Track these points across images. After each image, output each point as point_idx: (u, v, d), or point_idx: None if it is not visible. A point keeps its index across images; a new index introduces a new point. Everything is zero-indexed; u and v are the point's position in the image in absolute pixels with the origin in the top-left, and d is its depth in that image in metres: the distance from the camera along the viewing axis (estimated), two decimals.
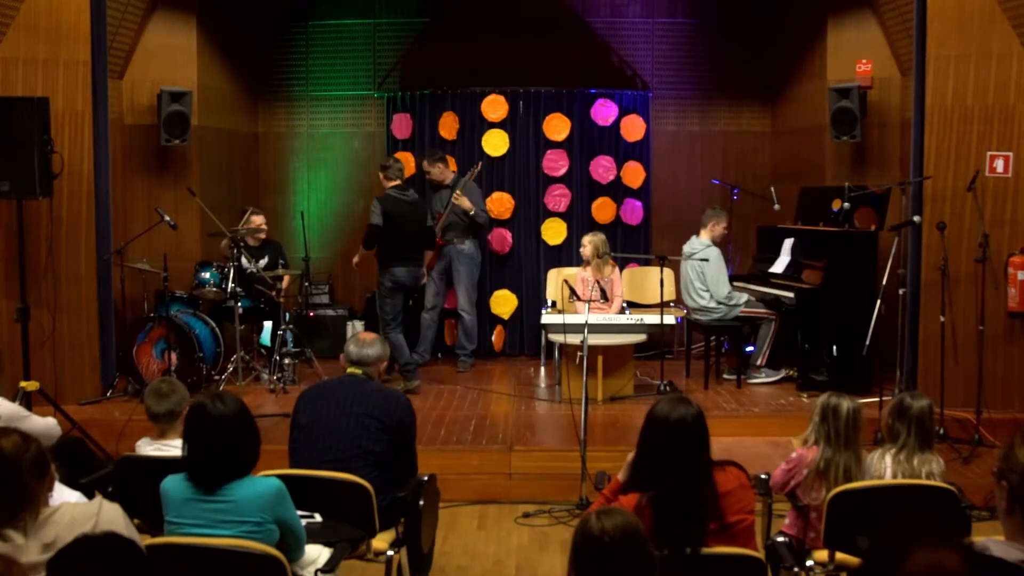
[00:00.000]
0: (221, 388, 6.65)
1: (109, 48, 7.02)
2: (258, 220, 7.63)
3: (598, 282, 7.10)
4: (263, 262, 7.52)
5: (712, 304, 7.22)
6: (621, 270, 8.29)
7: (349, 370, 4.14)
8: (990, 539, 2.37)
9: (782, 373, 7.37)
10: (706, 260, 7.20)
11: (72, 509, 2.65)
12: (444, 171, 7.96)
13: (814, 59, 8.29)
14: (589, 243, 7.34)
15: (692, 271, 7.30)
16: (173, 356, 6.80)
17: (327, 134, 9.30)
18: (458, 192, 7.73)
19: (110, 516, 2.66)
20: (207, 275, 7.24)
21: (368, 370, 4.13)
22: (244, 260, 7.17)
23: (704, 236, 7.37)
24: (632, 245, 8.61)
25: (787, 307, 7.24)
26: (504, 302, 8.60)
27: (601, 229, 8.06)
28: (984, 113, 6.37)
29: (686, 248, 7.40)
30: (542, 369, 8.17)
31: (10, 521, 2.52)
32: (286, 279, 7.68)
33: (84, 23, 6.59)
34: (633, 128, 8.55)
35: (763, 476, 4.02)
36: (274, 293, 7.39)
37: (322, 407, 3.96)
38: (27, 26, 6.51)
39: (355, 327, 8.46)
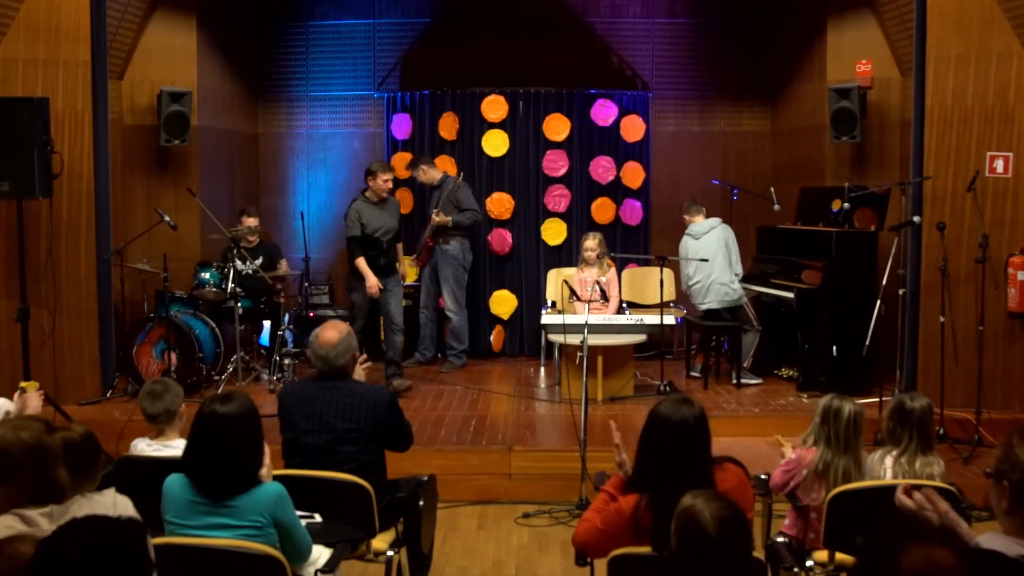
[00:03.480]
0: (227, 388, 6.67)
1: (109, 48, 7.02)
2: (252, 222, 7.64)
3: (598, 282, 7.11)
4: (258, 262, 7.52)
5: (736, 279, 7.35)
6: (620, 270, 8.30)
7: None
8: (986, 534, 2.37)
9: (760, 380, 7.40)
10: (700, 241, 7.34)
11: (89, 501, 2.72)
12: (428, 172, 8.00)
13: (814, 59, 8.29)
14: (597, 244, 7.39)
15: (722, 246, 7.36)
16: (173, 356, 6.80)
17: (327, 134, 9.30)
18: (436, 212, 7.82)
19: (123, 506, 2.76)
20: (207, 275, 7.24)
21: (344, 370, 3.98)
22: (239, 263, 7.16)
23: (703, 219, 7.49)
24: (632, 245, 8.61)
25: (785, 308, 7.25)
26: (504, 302, 8.61)
27: (601, 229, 8.07)
28: (984, 113, 6.37)
29: (704, 226, 7.44)
30: (542, 369, 8.17)
31: (38, 506, 2.61)
32: (284, 266, 7.71)
33: (84, 23, 6.59)
34: (633, 128, 8.56)
35: (763, 476, 4.02)
36: (271, 282, 7.39)
37: (306, 421, 3.83)
38: (27, 26, 6.51)
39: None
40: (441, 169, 8.14)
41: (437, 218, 7.78)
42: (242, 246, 7.39)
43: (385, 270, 7.24)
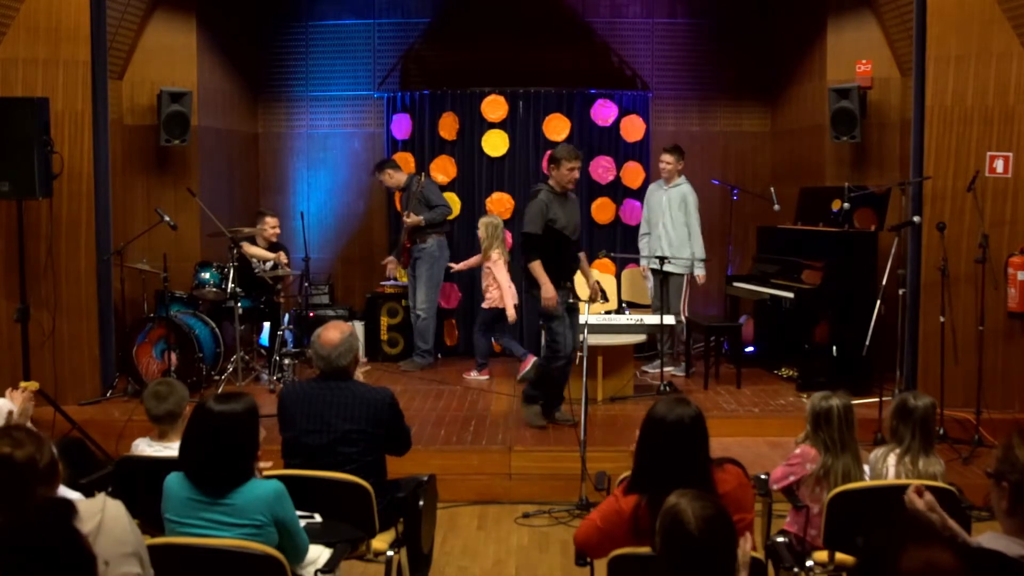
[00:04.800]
0: (228, 388, 6.67)
1: (109, 48, 7.02)
2: (272, 221, 7.68)
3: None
4: (268, 264, 7.53)
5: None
6: (620, 270, 8.30)
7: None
8: (986, 534, 2.37)
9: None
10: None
11: (78, 506, 2.67)
12: (394, 175, 8.02)
13: (814, 59, 8.29)
14: (481, 225, 7.53)
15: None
16: (173, 356, 6.80)
17: (327, 134, 9.30)
18: (405, 214, 7.85)
19: (113, 513, 2.68)
20: (207, 275, 7.25)
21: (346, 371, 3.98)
22: (254, 262, 7.17)
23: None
24: (632, 245, 8.59)
25: (785, 308, 7.25)
26: None
27: (601, 229, 8.05)
28: (984, 113, 6.37)
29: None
30: None
31: None
32: (283, 256, 7.66)
33: (84, 23, 6.59)
34: (633, 128, 8.55)
35: (763, 476, 4.02)
36: (270, 281, 7.38)
37: (306, 421, 3.83)
38: (27, 26, 6.51)
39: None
40: (407, 171, 8.17)
41: (408, 219, 7.79)
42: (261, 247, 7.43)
43: (572, 277, 6.21)
